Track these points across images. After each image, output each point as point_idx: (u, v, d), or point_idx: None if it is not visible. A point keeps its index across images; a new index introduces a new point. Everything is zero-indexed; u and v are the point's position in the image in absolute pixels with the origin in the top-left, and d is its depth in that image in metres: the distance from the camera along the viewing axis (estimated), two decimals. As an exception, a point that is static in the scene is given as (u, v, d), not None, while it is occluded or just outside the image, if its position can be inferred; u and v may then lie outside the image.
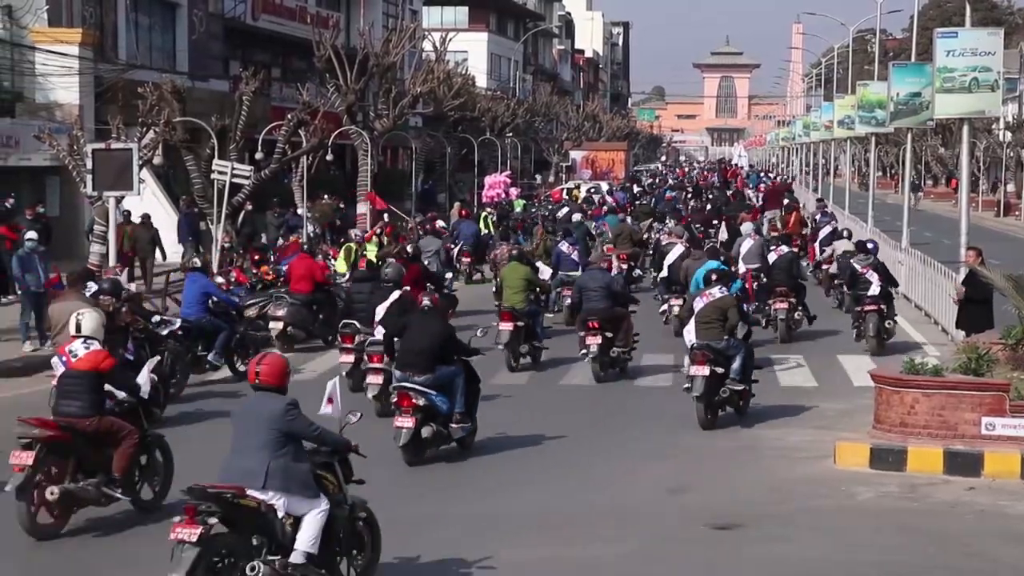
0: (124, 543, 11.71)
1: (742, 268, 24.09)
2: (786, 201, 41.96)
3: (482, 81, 74.28)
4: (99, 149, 24.09)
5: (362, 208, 40.44)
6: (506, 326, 20.15)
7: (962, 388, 14.54)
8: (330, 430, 9.90)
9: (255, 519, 9.27)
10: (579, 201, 46.96)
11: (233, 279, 24.49)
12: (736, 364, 16.45)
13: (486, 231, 37.47)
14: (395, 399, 14.63)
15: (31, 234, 24.01)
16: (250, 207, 34.42)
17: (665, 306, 24.75)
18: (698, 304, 16.88)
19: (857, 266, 23.01)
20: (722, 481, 13.91)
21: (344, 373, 17.74)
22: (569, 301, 23.88)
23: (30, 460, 11.49)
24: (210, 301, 19.52)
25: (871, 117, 42.24)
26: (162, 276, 27.18)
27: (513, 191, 53.41)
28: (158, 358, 16.06)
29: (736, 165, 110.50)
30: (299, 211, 36.04)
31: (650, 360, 21.32)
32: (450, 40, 53.92)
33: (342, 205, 40.58)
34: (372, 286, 19.10)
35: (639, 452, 15.04)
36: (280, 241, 33.46)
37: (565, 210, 37.69)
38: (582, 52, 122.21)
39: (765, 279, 23.90)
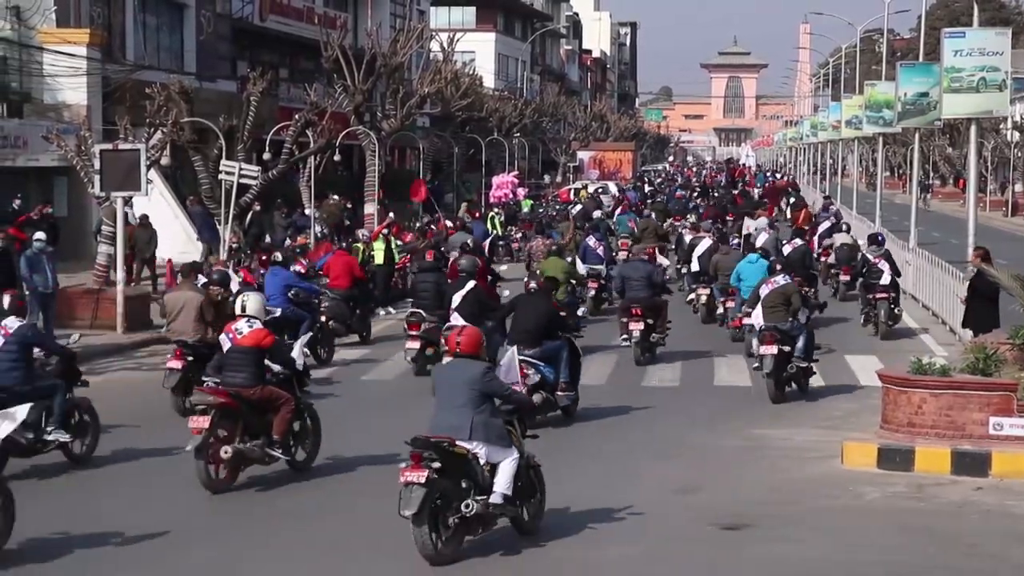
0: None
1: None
2: (793, 200, 43.15)
3: (489, 81, 74.27)
4: (107, 150, 24.13)
5: (369, 208, 40.48)
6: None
7: (970, 388, 14.53)
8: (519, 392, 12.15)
9: (464, 466, 11.01)
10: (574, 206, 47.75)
11: (241, 279, 24.51)
12: (800, 344, 18.10)
13: (493, 231, 37.52)
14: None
15: (39, 235, 24.05)
16: (259, 207, 34.45)
17: (693, 295, 26.60)
18: (764, 291, 18.64)
19: (869, 256, 24.94)
20: (729, 481, 13.91)
21: (409, 358, 19.88)
22: (593, 293, 25.98)
23: (206, 424, 13.14)
24: (291, 292, 20.68)
25: (879, 117, 42.21)
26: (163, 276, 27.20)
27: (521, 191, 53.45)
28: (310, 334, 18.52)
29: (744, 165, 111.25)
30: (306, 211, 36.06)
31: (681, 346, 22.07)
32: (457, 40, 53.96)
33: (349, 205, 40.60)
34: (436, 276, 20.96)
35: (645, 452, 15.04)
36: (288, 242, 33.51)
37: (598, 213, 39.47)
38: (589, 52, 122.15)
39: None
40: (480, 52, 77.79)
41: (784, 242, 27.03)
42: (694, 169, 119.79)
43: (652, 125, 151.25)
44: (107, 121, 33.08)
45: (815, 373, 18.62)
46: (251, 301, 14.11)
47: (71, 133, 28.55)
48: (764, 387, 18.12)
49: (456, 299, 18.57)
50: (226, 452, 13.25)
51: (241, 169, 28.42)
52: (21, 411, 12.07)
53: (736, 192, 56.55)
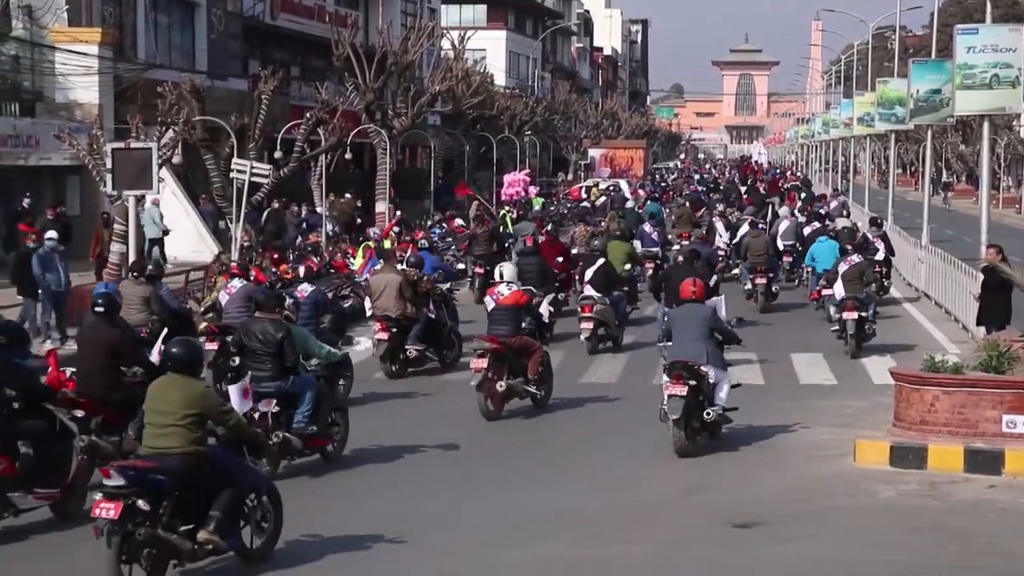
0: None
1: (780, 245, 30.02)
2: (804, 195, 46.61)
3: (500, 79, 74.22)
4: (119, 148, 24.14)
5: (380, 206, 40.49)
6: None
7: (983, 386, 14.48)
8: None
9: (703, 382, 14.75)
10: (597, 199, 49.45)
11: (252, 278, 24.55)
12: (871, 310, 22.07)
13: (505, 229, 37.52)
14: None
15: (51, 233, 24.08)
16: (276, 205, 34.48)
17: (749, 284, 28.32)
18: (843, 267, 22.39)
19: (869, 235, 29.00)
20: (741, 480, 13.88)
21: (584, 337, 22.19)
22: (650, 272, 28.32)
23: (484, 364, 16.50)
24: (436, 273, 22.28)
25: (891, 114, 42.04)
26: (181, 275, 27.23)
27: (532, 189, 53.43)
28: (552, 296, 21.77)
29: (756, 162, 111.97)
30: (317, 209, 36.09)
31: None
32: (468, 38, 54.00)
33: (360, 203, 40.63)
34: (537, 258, 23.79)
35: (657, 451, 15.00)
36: (299, 240, 33.56)
37: (630, 203, 44.73)
38: (601, 50, 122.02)
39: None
40: (491, 50, 77.72)
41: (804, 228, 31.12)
42: (707, 166, 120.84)
43: (663, 123, 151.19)
44: (119, 120, 33.11)
45: (875, 334, 22.24)
46: (507, 270, 17.99)
47: (83, 132, 28.59)
48: (776, 386, 18.15)
49: (589, 273, 22.63)
50: (501, 386, 16.61)
51: (253, 167, 28.45)
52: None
53: (744, 189, 57.21)
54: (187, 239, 34.07)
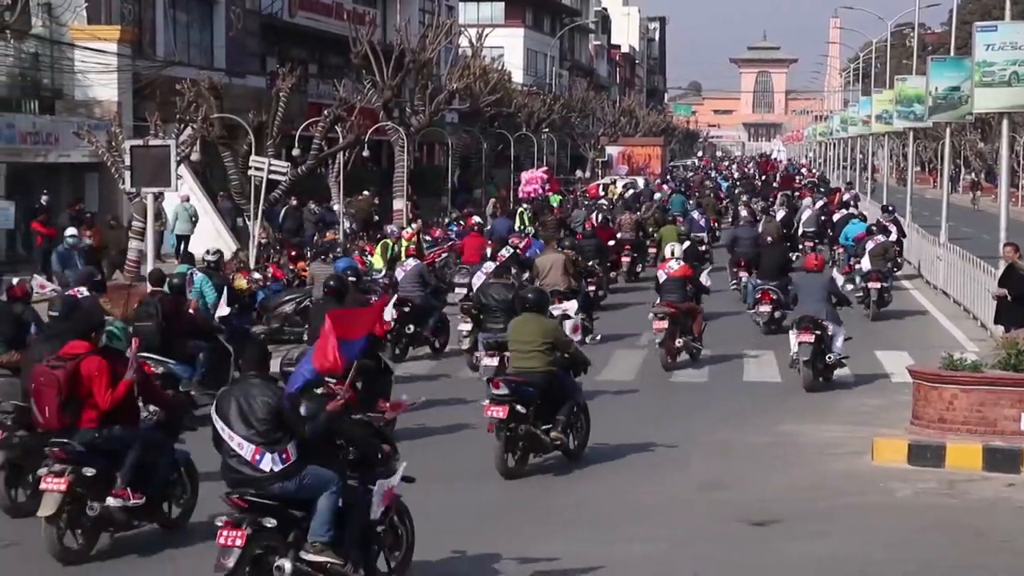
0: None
1: (801, 231, 35.19)
2: (823, 189, 53.07)
3: (518, 77, 74.20)
4: (137, 146, 24.18)
5: (398, 204, 40.50)
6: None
7: (1001, 384, 14.44)
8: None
9: (824, 333, 18.35)
10: (617, 196, 50.10)
11: (270, 275, 24.61)
12: (888, 282, 26.79)
13: (521, 226, 37.52)
14: (758, 295, 23.68)
15: (71, 230, 24.18)
16: (294, 202, 34.53)
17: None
18: (870, 245, 27.15)
19: (882, 220, 32.58)
20: (758, 477, 13.87)
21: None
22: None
23: (664, 325, 19.77)
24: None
25: (909, 112, 41.87)
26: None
27: (551, 186, 53.40)
28: (710, 266, 27.73)
29: (776, 159, 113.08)
30: (335, 207, 36.13)
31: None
32: (486, 36, 53.95)
33: (377, 201, 40.66)
34: (596, 240, 28.50)
35: (673, 448, 15.00)
36: (316, 237, 33.59)
37: (658, 195, 48.64)
38: (618, 47, 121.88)
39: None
40: (509, 47, 77.69)
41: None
42: (725, 163, 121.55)
43: (681, 120, 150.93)
44: (137, 117, 33.22)
45: (892, 299, 26.77)
46: (676, 248, 21.61)
47: (102, 129, 28.70)
48: (793, 383, 18.27)
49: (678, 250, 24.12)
50: (679, 343, 20.06)
51: (270, 165, 28.49)
52: None
53: (760, 184, 61.21)
54: (205, 236, 34.14)
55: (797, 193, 50.14)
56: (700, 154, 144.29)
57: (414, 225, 31.48)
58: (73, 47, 34.59)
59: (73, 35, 34.65)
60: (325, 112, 34.05)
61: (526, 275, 22.82)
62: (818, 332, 18.26)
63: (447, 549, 10.97)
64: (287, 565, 9.17)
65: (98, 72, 34.34)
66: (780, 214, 36.98)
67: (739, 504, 12.71)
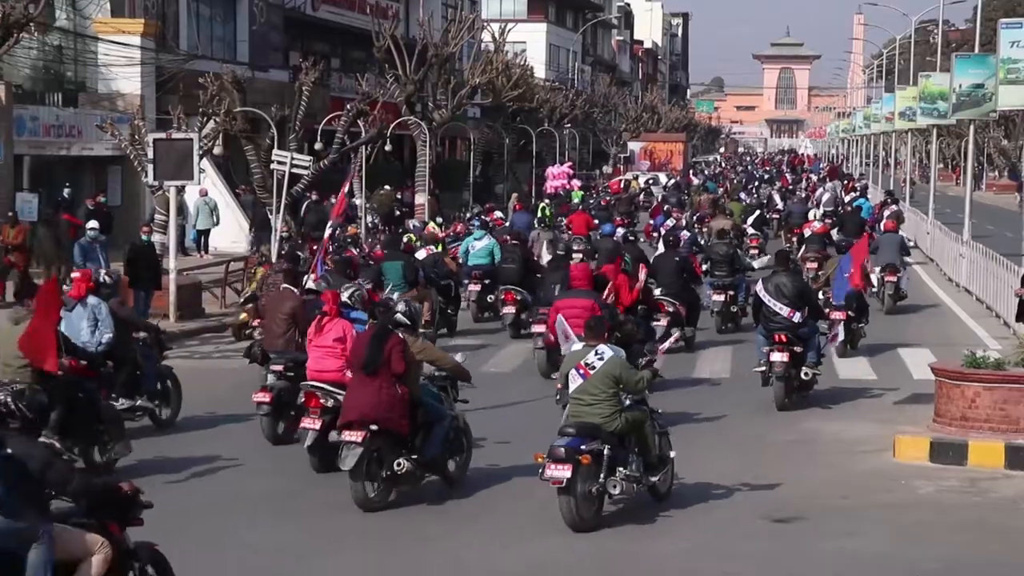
0: None
1: (819, 212, 36.61)
2: (845, 180, 58.19)
3: (540, 72, 74.16)
4: (160, 139, 24.27)
5: (420, 198, 40.52)
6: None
7: (1025, 382, 14.38)
8: None
9: (898, 276, 24.85)
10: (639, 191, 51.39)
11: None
12: (904, 272, 27.33)
13: (541, 220, 37.52)
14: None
15: (92, 223, 24.23)
16: (315, 196, 34.57)
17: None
18: (886, 213, 33.46)
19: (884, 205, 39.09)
20: (781, 474, 13.81)
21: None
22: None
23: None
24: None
25: (933, 109, 41.72)
26: (221, 266, 27.33)
27: (575, 182, 53.39)
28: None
29: (803, 155, 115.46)
30: (356, 201, 36.15)
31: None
32: (509, 31, 53.91)
33: (399, 195, 40.68)
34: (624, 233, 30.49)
35: (697, 445, 14.95)
36: (338, 231, 33.59)
37: (696, 181, 58.32)
38: (641, 43, 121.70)
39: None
40: (531, 42, 77.63)
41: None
42: (747, 158, 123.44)
43: (703, 116, 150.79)
44: (160, 110, 33.30)
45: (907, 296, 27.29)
46: (818, 213, 28.16)
47: (125, 122, 28.75)
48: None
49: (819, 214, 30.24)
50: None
51: (293, 159, 28.52)
52: None
53: (790, 177, 68.31)
54: (228, 230, 34.24)
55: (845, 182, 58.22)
56: (722, 150, 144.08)
57: (437, 221, 31.53)
58: (97, 40, 34.70)
59: (97, 28, 34.76)
60: (348, 106, 34.06)
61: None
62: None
63: (465, 537, 10.93)
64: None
65: (121, 65, 34.44)
66: (825, 197, 44.12)
67: (762, 501, 12.68)
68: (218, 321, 23.81)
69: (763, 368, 16.99)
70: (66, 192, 31.34)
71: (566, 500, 11.30)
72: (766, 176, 70.28)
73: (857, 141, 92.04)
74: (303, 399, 13.53)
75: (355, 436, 11.81)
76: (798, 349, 16.84)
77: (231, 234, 34.31)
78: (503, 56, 53.91)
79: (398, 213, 38.69)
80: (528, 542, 11.28)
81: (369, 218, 35.16)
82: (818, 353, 17.26)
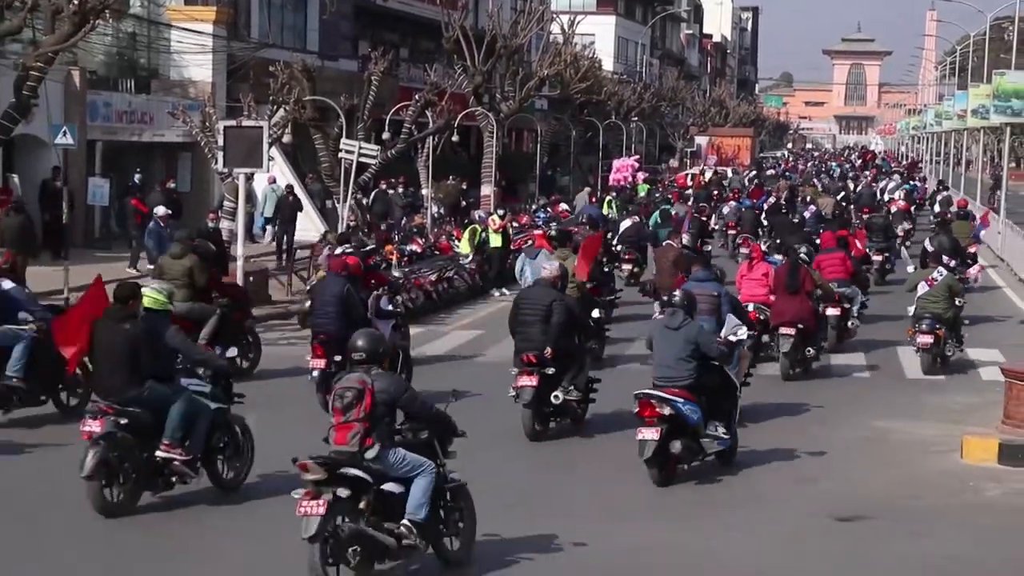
0: None
1: (886, 197, 42.83)
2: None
3: (608, 65, 74.01)
4: (230, 126, 24.41)
5: (486, 190, 40.56)
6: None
7: (1097, 385, 14.19)
8: None
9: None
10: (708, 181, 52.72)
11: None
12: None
13: (610, 212, 37.47)
14: None
15: (160, 208, 24.46)
16: (384, 186, 34.71)
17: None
18: (939, 197, 37.41)
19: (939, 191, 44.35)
20: (849, 473, 13.73)
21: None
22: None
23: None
24: None
25: (1007, 107, 41.23)
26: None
27: (640, 175, 53.26)
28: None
29: (873, 151, 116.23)
30: (423, 191, 36.27)
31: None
32: (578, 23, 53.84)
33: (465, 186, 40.75)
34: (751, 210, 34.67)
35: (766, 442, 14.86)
36: (404, 220, 33.77)
37: (771, 172, 61.42)
38: (710, 37, 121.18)
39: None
40: (600, 35, 77.47)
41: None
42: (815, 153, 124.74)
43: (771, 111, 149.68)
44: (231, 98, 33.56)
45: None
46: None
47: (196, 109, 29.00)
48: (882, 380, 18.17)
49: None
50: None
51: (361, 148, 28.63)
52: None
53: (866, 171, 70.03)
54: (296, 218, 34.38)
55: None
56: (790, 145, 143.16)
57: (499, 213, 31.54)
58: (170, 28, 35.02)
59: (170, 16, 35.08)
60: (416, 96, 34.16)
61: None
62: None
63: (524, 529, 10.96)
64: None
65: (193, 53, 34.73)
66: (891, 184, 49.28)
67: (828, 500, 12.60)
68: (284, 308, 24.00)
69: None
70: (137, 178, 31.65)
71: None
72: (845, 170, 77.53)
73: (927, 138, 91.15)
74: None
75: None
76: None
77: (299, 221, 34.47)
78: (571, 48, 53.84)
79: (464, 203, 38.77)
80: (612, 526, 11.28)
81: (435, 208, 35.23)
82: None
